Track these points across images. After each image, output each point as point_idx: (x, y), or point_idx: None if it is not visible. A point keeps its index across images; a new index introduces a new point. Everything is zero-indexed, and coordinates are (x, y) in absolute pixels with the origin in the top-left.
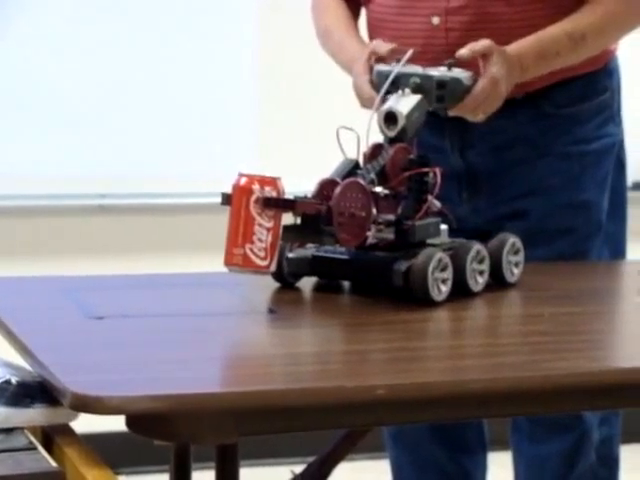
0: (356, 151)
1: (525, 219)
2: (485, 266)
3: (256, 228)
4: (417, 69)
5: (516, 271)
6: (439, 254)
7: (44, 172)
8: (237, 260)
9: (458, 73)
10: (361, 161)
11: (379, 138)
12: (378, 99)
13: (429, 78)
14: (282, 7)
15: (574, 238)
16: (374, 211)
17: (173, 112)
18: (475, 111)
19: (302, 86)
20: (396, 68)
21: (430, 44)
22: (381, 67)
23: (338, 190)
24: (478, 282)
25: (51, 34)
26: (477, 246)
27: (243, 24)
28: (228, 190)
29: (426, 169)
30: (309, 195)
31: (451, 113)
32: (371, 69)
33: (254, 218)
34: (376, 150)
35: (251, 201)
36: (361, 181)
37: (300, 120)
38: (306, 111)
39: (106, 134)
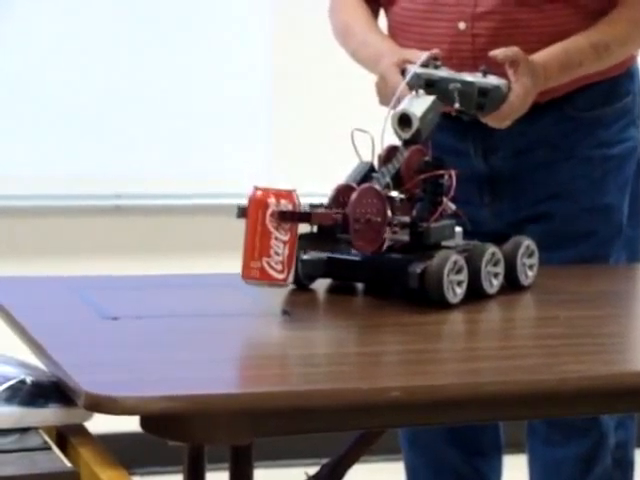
0: (371, 153)
1: (547, 222)
2: (500, 269)
3: (273, 242)
4: (454, 74)
5: (530, 274)
6: (454, 256)
7: (60, 172)
8: (255, 274)
9: (495, 80)
10: (376, 163)
11: (394, 139)
12: (396, 96)
13: (470, 85)
14: (297, 8)
15: (595, 241)
16: (389, 214)
17: (189, 113)
18: (505, 120)
19: (316, 87)
20: (430, 71)
21: (456, 49)
22: (418, 70)
23: (354, 197)
24: (493, 284)
25: (65, 32)
26: (492, 248)
27: (257, 25)
28: (243, 197)
29: (441, 171)
30: (325, 201)
31: (483, 120)
32: (402, 72)
33: (270, 232)
34: (391, 152)
35: (267, 215)
36: (376, 186)
37: (314, 122)
38: (320, 113)
39: (122, 135)
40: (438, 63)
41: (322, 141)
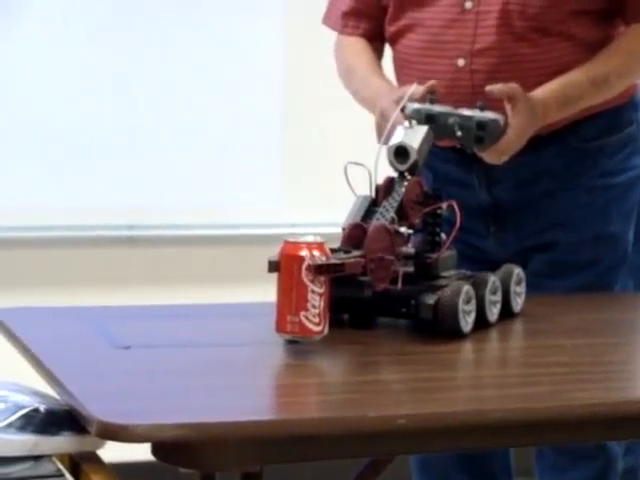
0: (369, 187)
1: (551, 251)
2: (498, 297)
3: (309, 295)
4: (452, 109)
5: (519, 301)
6: (466, 287)
7: (73, 203)
8: (293, 328)
9: (493, 115)
10: (373, 194)
11: (387, 170)
12: (389, 124)
13: (469, 119)
14: (309, 35)
15: (600, 270)
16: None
17: (201, 145)
18: (502, 155)
19: (326, 120)
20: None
21: (455, 85)
22: (416, 105)
23: (368, 238)
24: (493, 313)
25: (75, 58)
26: (492, 277)
27: (269, 53)
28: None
29: (443, 203)
30: (333, 242)
31: (480, 155)
32: (402, 109)
33: (307, 285)
34: (389, 185)
35: (302, 268)
36: (386, 224)
37: (323, 154)
38: (329, 145)
39: (135, 166)
40: (434, 97)
41: (331, 172)
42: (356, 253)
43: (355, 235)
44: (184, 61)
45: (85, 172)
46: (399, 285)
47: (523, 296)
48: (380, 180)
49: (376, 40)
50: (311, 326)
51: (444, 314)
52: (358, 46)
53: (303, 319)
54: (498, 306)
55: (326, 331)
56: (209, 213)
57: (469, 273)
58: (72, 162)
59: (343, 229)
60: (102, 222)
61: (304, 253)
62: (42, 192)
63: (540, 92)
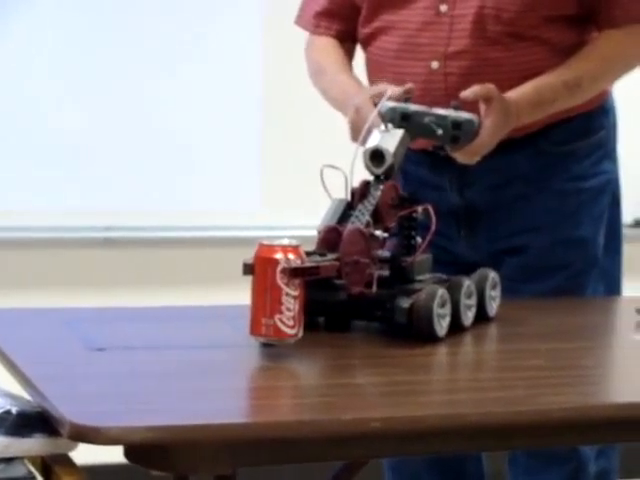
0: (344, 190)
1: (522, 255)
2: (473, 301)
3: (284, 298)
4: (427, 109)
5: (494, 305)
6: (441, 290)
7: (49, 204)
8: (267, 331)
9: (467, 115)
10: (348, 197)
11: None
12: (366, 126)
13: (444, 118)
14: (288, 37)
15: (570, 273)
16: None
17: (178, 147)
18: (475, 155)
19: (305, 124)
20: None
21: (429, 88)
22: (392, 104)
23: (343, 241)
24: (468, 317)
25: (54, 63)
26: (467, 281)
27: (248, 55)
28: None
29: (419, 207)
30: (306, 244)
31: (453, 154)
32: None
33: (281, 288)
34: (364, 188)
35: (277, 271)
36: (361, 227)
37: (302, 157)
38: (308, 148)
39: (111, 167)
40: (409, 97)
41: (309, 175)
42: (331, 256)
43: (330, 238)
44: (162, 65)
45: (62, 174)
46: (374, 288)
47: (498, 300)
48: (356, 183)
49: (347, 41)
50: (286, 329)
51: (419, 318)
52: (328, 46)
53: (278, 322)
54: (473, 310)
55: (300, 334)
56: (186, 215)
57: (444, 277)
58: (48, 164)
59: (318, 232)
60: (79, 223)
61: (279, 256)
62: (18, 193)
63: (513, 94)
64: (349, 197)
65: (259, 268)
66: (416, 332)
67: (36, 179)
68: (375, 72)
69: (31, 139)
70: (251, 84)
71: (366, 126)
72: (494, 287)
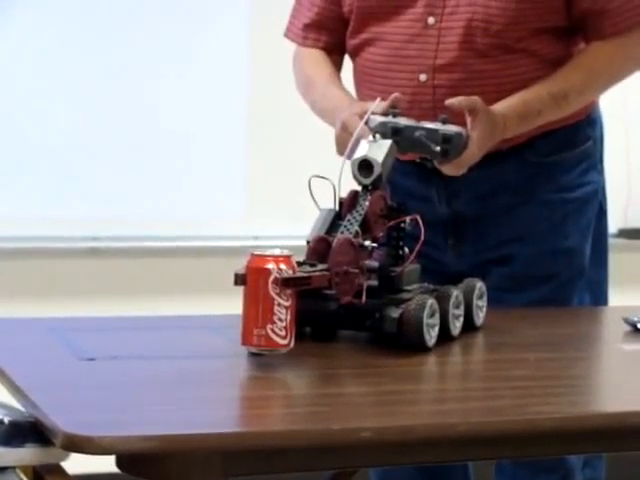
0: (333, 200)
1: (509, 265)
2: (461, 310)
3: (276, 308)
4: (416, 123)
5: (481, 315)
6: (430, 300)
7: (36, 214)
8: (259, 341)
9: (455, 128)
10: (337, 207)
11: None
12: (354, 138)
13: (435, 132)
14: (274, 46)
15: (557, 284)
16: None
17: (165, 157)
18: (462, 168)
19: (289, 134)
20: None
21: (417, 100)
22: (382, 119)
23: (333, 251)
24: (456, 326)
25: (42, 70)
26: (456, 291)
27: (233, 64)
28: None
29: (407, 217)
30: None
31: (440, 167)
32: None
33: (273, 298)
34: (353, 198)
35: (269, 282)
36: (351, 238)
37: (287, 167)
38: (292, 158)
39: (98, 177)
40: (397, 111)
41: (295, 185)
42: (321, 266)
43: (320, 248)
44: (147, 74)
45: (49, 183)
46: (363, 298)
47: (485, 310)
48: (344, 194)
49: (336, 53)
50: (277, 339)
51: (409, 328)
52: (317, 58)
53: (270, 332)
54: (461, 320)
55: (292, 344)
56: (173, 225)
57: (431, 287)
58: (35, 172)
59: (308, 242)
60: (66, 233)
61: (271, 266)
62: (5, 203)
63: (500, 106)
64: (337, 207)
65: (251, 278)
66: (406, 342)
67: (21, 188)
68: (363, 83)
69: (16, 147)
70: (237, 93)
71: (352, 139)
72: (481, 297)
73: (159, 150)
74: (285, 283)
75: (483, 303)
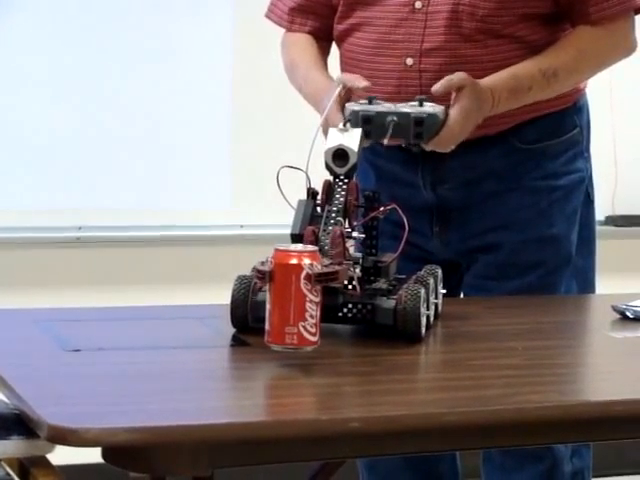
0: (306, 191)
1: (495, 252)
2: (437, 298)
3: (307, 305)
4: (389, 106)
5: (441, 301)
6: (422, 290)
7: (20, 204)
8: (291, 339)
9: (431, 108)
10: (309, 197)
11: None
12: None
13: (406, 116)
14: (258, 36)
15: (543, 271)
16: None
17: (150, 146)
18: (447, 144)
19: (273, 124)
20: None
21: (404, 85)
22: (354, 106)
23: (331, 245)
24: (433, 315)
25: (28, 62)
26: (431, 279)
27: (218, 55)
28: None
29: (388, 206)
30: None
31: (427, 148)
32: (343, 105)
33: (305, 295)
34: (328, 188)
35: (301, 278)
36: (343, 230)
37: (272, 153)
38: (276, 147)
39: (83, 166)
40: (372, 96)
41: (280, 174)
42: (327, 260)
43: (313, 241)
44: (132, 65)
45: (33, 173)
46: (358, 290)
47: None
48: (311, 183)
49: (323, 39)
50: (308, 336)
51: (405, 319)
52: (303, 42)
53: (301, 329)
54: (438, 307)
55: (319, 341)
56: (158, 214)
57: (403, 276)
58: (20, 163)
59: (294, 235)
60: (50, 223)
61: (302, 262)
62: None
63: (490, 79)
64: (307, 197)
65: (280, 275)
66: (401, 333)
67: (8, 178)
68: (350, 69)
69: (2, 138)
70: (220, 82)
71: (320, 120)
72: (441, 283)
73: (144, 140)
74: (317, 279)
75: (443, 290)
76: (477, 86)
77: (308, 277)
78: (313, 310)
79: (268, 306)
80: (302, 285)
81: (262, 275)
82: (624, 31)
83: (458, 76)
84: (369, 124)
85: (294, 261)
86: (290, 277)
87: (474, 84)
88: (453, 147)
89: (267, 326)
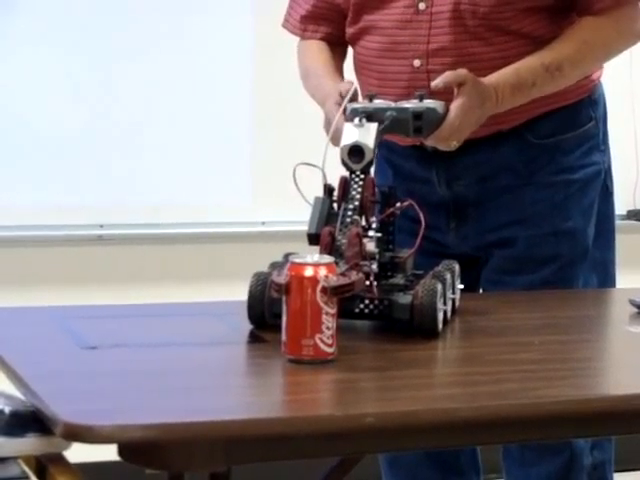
0: (323, 188)
1: (511, 247)
2: (455, 293)
3: (324, 317)
4: (390, 103)
5: (458, 297)
6: (439, 285)
7: (42, 202)
8: (308, 351)
9: (431, 104)
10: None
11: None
12: (332, 128)
13: (404, 110)
14: (279, 36)
15: (560, 265)
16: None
17: (171, 144)
18: (448, 140)
19: (293, 124)
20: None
21: (413, 86)
22: (355, 104)
23: (348, 246)
24: (449, 310)
25: (48, 60)
26: (448, 274)
27: (239, 54)
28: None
29: (404, 203)
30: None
31: (427, 143)
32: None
33: (321, 307)
34: (344, 185)
35: (317, 290)
36: (359, 230)
37: (293, 150)
38: (298, 141)
39: (104, 165)
40: (373, 94)
41: (300, 170)
42: (344, 266)
43: (329, 242)
44: (156, 64)
45: (56, 171)
46: (374, 288)
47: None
48: (328, 180)
49: (337, 44)
50: (325, 348)
51: (422, 314)
52: (316, 49)
53: (318, 341)
54: (455, 303)
55: (336, 353)
56: (179, 212)
57: (421, 272)
58: (42, 161)
59: (310, 234)
60: (72, 221)
61: (318, 274)
62: (11, 191)
63: (493, 77)
64: (324, 194)
65: (296, 287)
66: (418, 328)
67: (30, 177)
68: (361, 71)
69: (24, 136)
70: (242, 80)
71: (331, 129)
72: (458, 278)
73: (166, 139)
74: (333, 291)
75: (461, 286)
76: (479, 83)
77: (324, 290)
78: (329, 322)
79: (284, 318)
80: (318, 298)
81: (278, 287)
82: (631, 17)
83: (457, 71)
84: (369, 120)
85: (310, 273)
86: (306, 290)
87: (475, 81)
88: (457, 144)
89: (283, 337)
